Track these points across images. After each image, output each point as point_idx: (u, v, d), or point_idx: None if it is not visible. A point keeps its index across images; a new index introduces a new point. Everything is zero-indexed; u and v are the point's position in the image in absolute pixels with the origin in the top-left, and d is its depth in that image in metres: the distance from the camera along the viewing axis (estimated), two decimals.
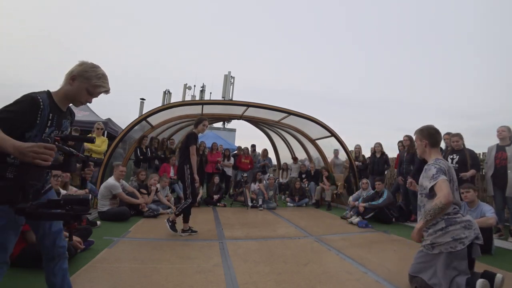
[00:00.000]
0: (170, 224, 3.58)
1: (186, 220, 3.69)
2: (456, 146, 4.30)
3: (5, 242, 1.29)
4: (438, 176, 1.89)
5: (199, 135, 3.82)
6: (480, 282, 1.74)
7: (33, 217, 1.23)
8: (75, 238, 2.55)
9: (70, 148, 1.27)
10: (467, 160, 4.11)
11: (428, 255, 2.00)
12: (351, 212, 5.07)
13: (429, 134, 2.12)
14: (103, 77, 1.45)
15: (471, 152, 4.25)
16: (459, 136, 4.32)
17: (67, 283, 1.62)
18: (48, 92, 1.37)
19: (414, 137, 2.34)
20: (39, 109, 1.27)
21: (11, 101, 1.25)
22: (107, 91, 1.49)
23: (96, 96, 1.47)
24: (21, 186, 1.15)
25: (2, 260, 1.29)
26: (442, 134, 4.83)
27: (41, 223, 1.43)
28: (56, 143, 1.26)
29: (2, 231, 1.26)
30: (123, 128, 6.12)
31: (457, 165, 4.10)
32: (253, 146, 9.28)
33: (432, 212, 1.86)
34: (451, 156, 4.29)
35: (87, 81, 1.39)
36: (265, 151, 8.68)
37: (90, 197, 1.34)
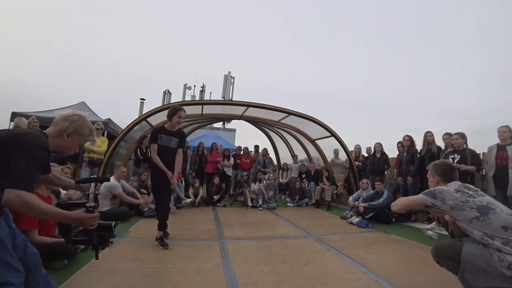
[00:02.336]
0: (159, 241, 3.06)
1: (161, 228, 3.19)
2: (456, 144, 4.27)
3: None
4: (422, 194, 1.89)
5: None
6: None
7: (74, 243, 1.57)
8: None
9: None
10: (468, 159, 4.09)
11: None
12: (351, 212, 5.08)
13: (443, 171, 2.02)
14: (92, 131, 1.60)
15: (473, 152, 4.21)
16: (459, 134, 4.28)
17: (53, 286, 1.59)
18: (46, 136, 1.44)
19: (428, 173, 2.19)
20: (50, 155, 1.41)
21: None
22: (93, 143, 1.64)
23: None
24: (68, 229, 1.58)
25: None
26: (442, 134, 4.87)
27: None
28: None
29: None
30: (123, 128, 6.11)
31: (458, 165, 4.08)
32: (256, 147, 9.28)
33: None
34: (452, 156, 4.27)
35: (81, 137, 1.54)
36: (264, 150, 8.67)
37: (114, 224, 1.62)
